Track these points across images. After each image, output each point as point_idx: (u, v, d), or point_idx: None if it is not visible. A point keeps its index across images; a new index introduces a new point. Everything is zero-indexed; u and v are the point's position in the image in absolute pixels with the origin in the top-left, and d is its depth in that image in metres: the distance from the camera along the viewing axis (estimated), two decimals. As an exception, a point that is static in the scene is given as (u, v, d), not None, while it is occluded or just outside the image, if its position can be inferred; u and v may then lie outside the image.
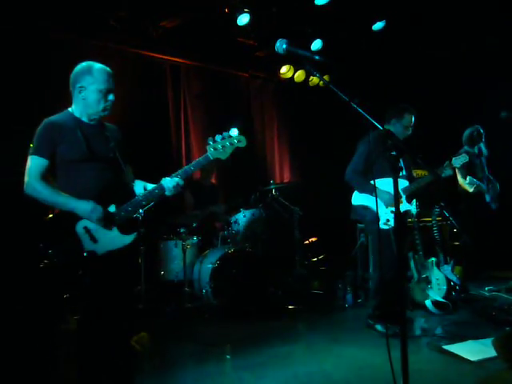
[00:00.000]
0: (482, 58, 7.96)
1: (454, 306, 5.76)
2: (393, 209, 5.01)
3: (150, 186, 3.48)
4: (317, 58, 2.56)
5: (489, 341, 4.24)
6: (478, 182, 6.84)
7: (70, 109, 3.43)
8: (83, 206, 3.19)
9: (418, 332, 5.20)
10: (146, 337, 5.11)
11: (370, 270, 6.61)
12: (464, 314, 5.70)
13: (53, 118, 3.36)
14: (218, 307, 5.95)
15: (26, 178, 3.23)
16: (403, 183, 5.24)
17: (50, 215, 3.26)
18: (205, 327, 5.68)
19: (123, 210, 3.34)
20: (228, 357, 4.60)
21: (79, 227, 3.23)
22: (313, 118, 9.64)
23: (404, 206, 5.24)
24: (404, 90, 8.04)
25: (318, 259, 8.25)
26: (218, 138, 3.49)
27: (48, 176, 3.28)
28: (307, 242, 8.24)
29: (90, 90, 3.32)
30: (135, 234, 3.40)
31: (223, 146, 3.48)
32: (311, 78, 9.23)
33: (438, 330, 5.14)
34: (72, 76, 3.39)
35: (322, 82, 9.27)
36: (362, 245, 7.13)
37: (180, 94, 7.97)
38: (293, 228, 7.29)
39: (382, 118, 5.19)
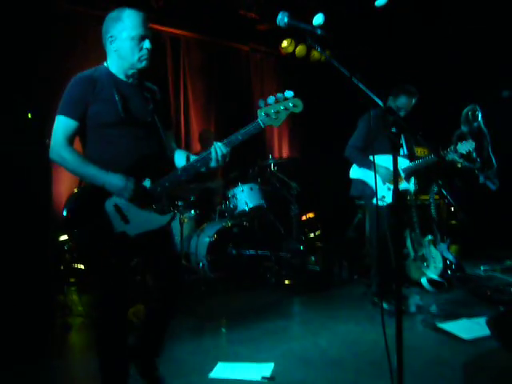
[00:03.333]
0: (485, 35, 7.88)
1: (450, 284, 5.80)
2: (390, 185, 5.03)
3: (194, 158, 3.01)
4: (318, 31, 2.52)
5: (483, 320, 4.27)
6: (467, 164, 6.80)
7: (104, 63, 3.02)
8: (114, 182, 2.77)
9: (412, 309, 5.24)
10: (143, 309, 5.14)
11: (367, 246, 6.63)
12: (459, 292, 5.73)
13: (86, 72, 2.92)
14: (215, 281, 5.98)
15: (52, 142, 2.81)
16: (404, 162, 5.22)
17: (76, 190, 2.93)
18: (201, 301, 5.71)
19: (159, 186, 2.90)
20: (223, 330, 4.63)
21: (109, 205, 2.83)
22: (313, 93, 9.56)
23: (403, 185, 5.24)
24: (405, 67, 7.98)
25: (314, 235, 8.27)
26: (271, 100, 2.84)
27: (74, 140, 2.87)
28: (304, 217, 8.25)
29: (120, 38, 2.90)
30: (172, 213, 2.99)
31: (277, 112, 2.85)
32: (312, 52, 9.15)
33: (433, 308, 5.17)
34: (103, 27, 2.99)
35: (323, 57, 9.19)
36: (359, 221, 7.14)
37: (180, 66, 7.90)
38: (290, 203, 7.29)
39: (383, 94, 5.15)
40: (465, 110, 7.02)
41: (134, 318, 4.88)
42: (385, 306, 5.06)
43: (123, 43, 2.89)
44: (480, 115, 6.92)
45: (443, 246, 6.01)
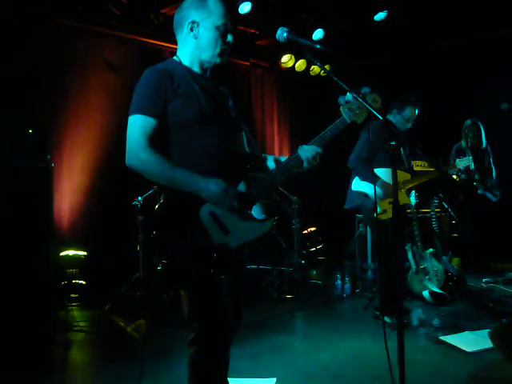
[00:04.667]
0: (484, 48, 7.92)
1: (452, 297, 5.77)
2: (391, 200, 4.99)
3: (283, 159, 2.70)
4: (318, 46, 2.53)
5: (485, 332, 4.26)
6: (465, 176, 6.81)
7: (174, 57, 2.65)
8: (211, 188, 2.34)
9: (415, 322, 5.22)
10: (144, 324, 5.12)
11: (369, 260, 6.62)
12: (461, 305, 5.71)
13: (158, 65, 2.55)
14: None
15: (128, 146, 2.37)
16: (406, 176, 5.20)
17: (159, 203, 2.41)
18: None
19: (256, 189, 2.56)
20: (225, 345, 4.60)
21: (204, 213, 2.38)
22: (313, 107, 9.61)
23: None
24: (404, 80, 8.01)
25: (316, 249, 8.26)
26: (349, 96, 2.63)
27: (156, 142, 2.39)
28: (306, 231, 8.24)
29: (204, 26, 2.54)
30: (272, 219, 2.61)
31: (358, 107, 2.63)
32: (312, 67, 9.20)
33: (435, 321, 5.16)
34: (178, 13, 2.62)
35: (322, 72, 9.23)
36: (361, 235, 7.13)
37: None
38: (291, 217, 7.29)
39: (384, 107, 5.18)
40: (465, 124, 7.05)
41: (135, 333, 4.87)
42: (387, 319, 5.04)
43: (207, 32, 2.55)
44: (482, 128, 6.95)
45: (445, 259, 6.00)
